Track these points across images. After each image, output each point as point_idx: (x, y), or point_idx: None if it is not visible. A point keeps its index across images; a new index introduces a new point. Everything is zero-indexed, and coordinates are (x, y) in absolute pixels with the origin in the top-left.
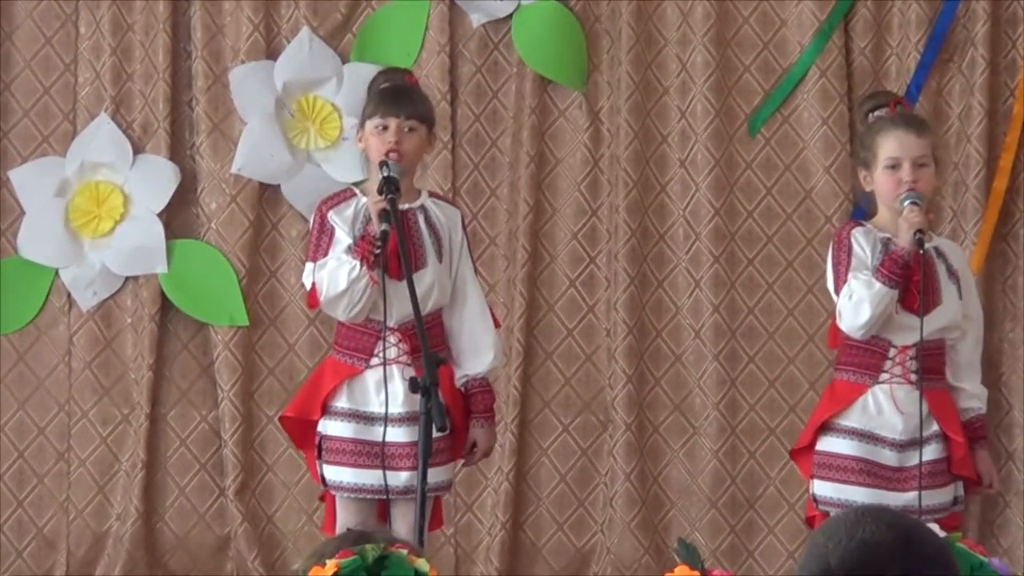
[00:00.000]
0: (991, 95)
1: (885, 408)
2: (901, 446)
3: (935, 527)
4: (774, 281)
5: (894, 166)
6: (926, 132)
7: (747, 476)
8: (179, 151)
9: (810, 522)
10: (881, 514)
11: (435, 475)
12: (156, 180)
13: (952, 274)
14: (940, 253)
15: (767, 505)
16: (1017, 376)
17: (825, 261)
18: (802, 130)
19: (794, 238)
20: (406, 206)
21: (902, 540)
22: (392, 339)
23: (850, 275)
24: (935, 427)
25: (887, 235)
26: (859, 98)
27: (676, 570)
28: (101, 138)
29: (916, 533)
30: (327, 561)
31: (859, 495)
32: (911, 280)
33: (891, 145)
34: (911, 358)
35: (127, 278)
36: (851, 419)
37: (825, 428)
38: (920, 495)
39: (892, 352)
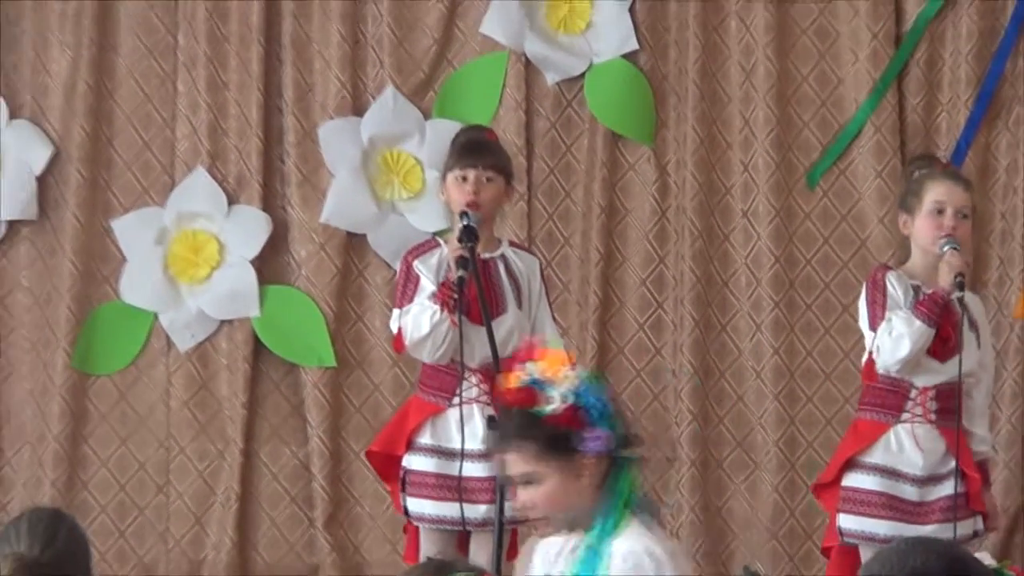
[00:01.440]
0: None
1: (907, 446)
2: (921, 482)
3: (986, 555)
4: (831, 325)
5: (940, 211)
6: (970, 188)
7: (805, 509)
8: (271, 202)
9: (825, 552)
10: (931, 544)
11: (512, 508)
12: (249, 229)
13: (973, 325)
14: (963, 305)
15: (823, 536)
16: None
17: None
18: (858, 182)
19: (850, 285)
20: (487, 255)
21: (950, 569)
22: (473, 379)
23: (889, 313)
24: (951, 463)
25: (917, 282)
26: (911, 154)
27: None
28: (197, 190)
29: (964, 562)
30: None
31: (882, 528)
32: (943, 327)
33: (939, 191)
34: (931, 399)
35: (222, 322)
36: (874, 456)
37: (850, 465)
38: (955, 526)
39: (914, 393)
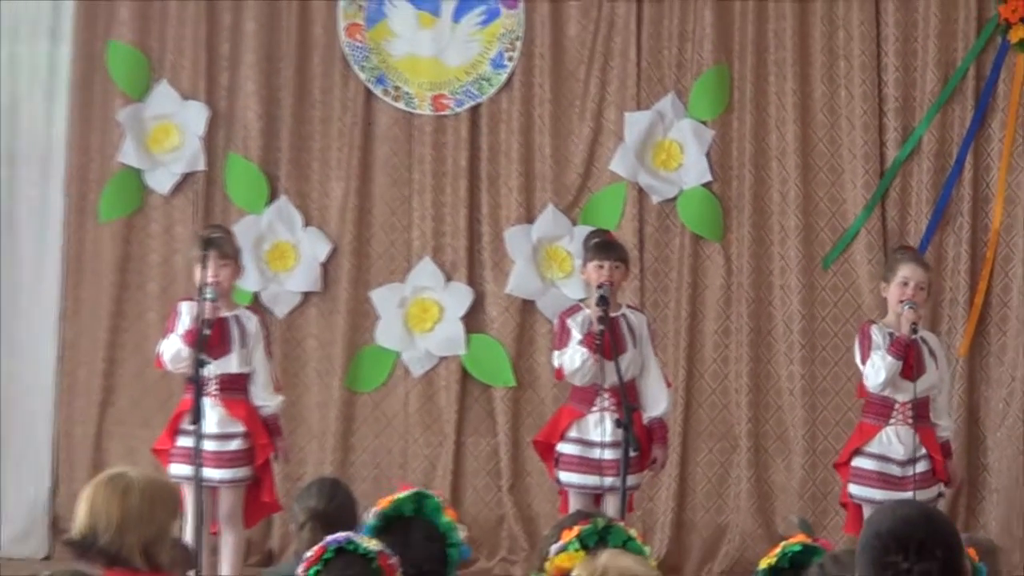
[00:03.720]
0: (973, 246)
1: (893, 440)
2: (903, 464)
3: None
4: (838, 360)
5: (905, 283)
6: (928, 269)
7: (822, 480)
8: (474, 279)
9: (843, 505)
10: (912, 502)
11: (631, 479)
12: (459, 297)
13: (931, 354)
14: (924, 340)
15: (836, 498)
16: (989, 418)
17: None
18: (855, 266)
19: (851, 333)
20: (614, 314)
21: (926, 516)
22: (606, 395)
23: (872, 352)
24: (923, 451)
25: (890, 330)
26: (890, 249)
27: (794, 537)
28: (426, 272)
29: (935, 513)
30: (567, 528)
31: (877, 494)
32: (908, 359)
33: (906, 270)
34: (909, 409)
35: (441, 357)
36: (872, 447)
37: (856, 452)
38: (914, 494)
39: (897, 405)
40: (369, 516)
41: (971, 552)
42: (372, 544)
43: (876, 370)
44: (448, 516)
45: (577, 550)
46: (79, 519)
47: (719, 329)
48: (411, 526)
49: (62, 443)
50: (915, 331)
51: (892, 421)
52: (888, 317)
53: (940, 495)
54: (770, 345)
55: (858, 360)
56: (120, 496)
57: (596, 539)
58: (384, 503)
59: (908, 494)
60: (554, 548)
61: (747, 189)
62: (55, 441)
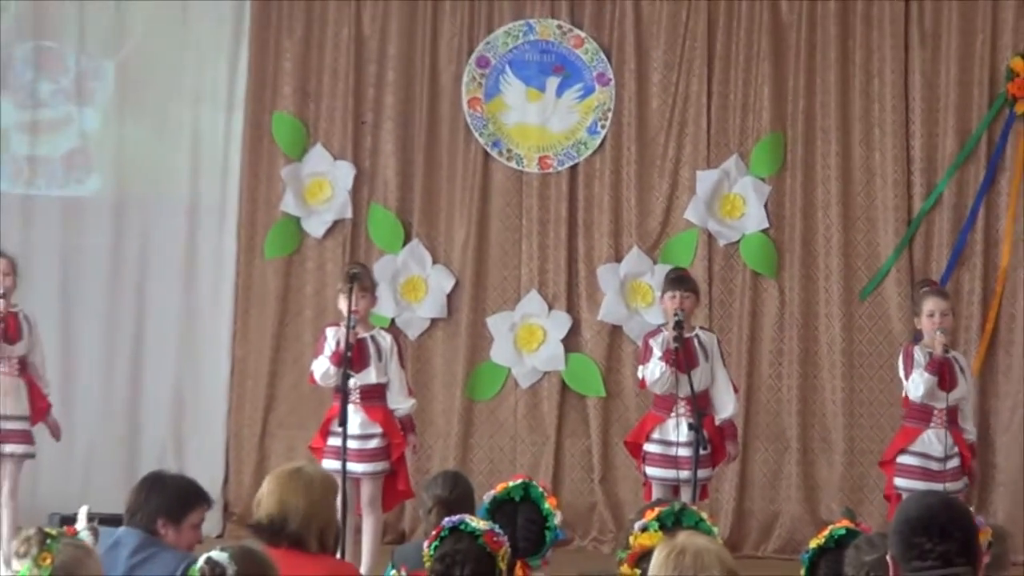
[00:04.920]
0: (984, 282)
1: (933, 441)
2: (940, 460)
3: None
4: (872, 375)
5: (931, 314)
6: (949, 299)
7: (858, 476)
8: (572, 307)
9: (887, 498)
10: (935, 493)
11: (702, 473)
12: (560, 323)
13: (961, 371)
14: (956, 359)
15: (871, 490)
16: (998, 425)
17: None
18: (887, 298)
19: (882, 355)
20: (688, 335)
21: (946, 505)
22: (682, 403)
23: (914, 370)
24: (955, 449)
25: (930, 350)
26: (917, 283)
27: (839, 522)
28: (532, 302)
29: (954, 502)
30: (648, 510)
31: (919, 485)
32: (943, 375)
33: (931, 303)
34: (945, 414)
35: (544, 372)
36: (915, 447)
37: (901, 451)
38: (945, 486)
39: (935, 412)
40: (486, 499)
41: (985, 533)
42: (481, 524)
43: (916, 385)
44: (549, 503)
45: (656, 530)
46: (268, 506)
47: (773, 350)
48: (518, 509)
49: (232, 442)
50: (947, 351)
51: (931, 425)
52: (925, 339)
53: (966, 486)
54: (816, 363)
55: (902, 375)
56: (306, 489)
57: (672, 520)
58: (498, 488)
59: (943, 486)
60: (637, 525)
61: (797, 234)
62: (227, 440)
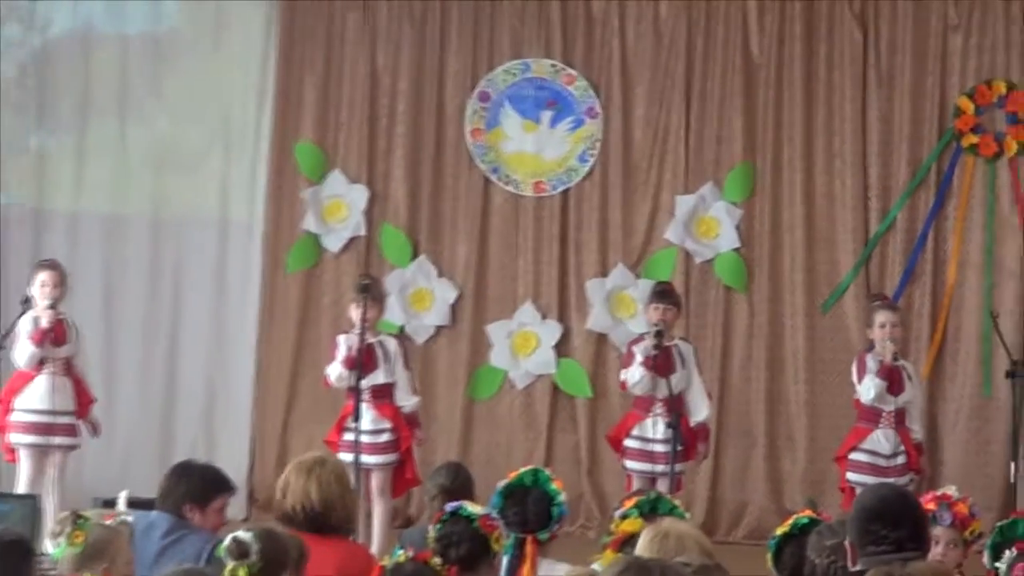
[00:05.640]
0: (933, 297)
1: (881, 440)
2: (888, 457)
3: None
4: (835, 379)
5: (883, 326)
6: (898, 312)
7: (820, 469)
8: (564, 317)
9: (842, 490)
10: (889, 485)
11: (678, 467)
12: (552, 331)
13: (909, 377)
14: (904, 367)
15: (834, 483)
16: (944, 426)
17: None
18: (846, 310)
19: (843, 361)
20: (668, 343)
21: (899, 495)
22: (660, 404)
23: (866, 376)
24: (902, 447)
25: (880, 357)
26: (870, 298)
27: (803, 511)
28: (527, 311)
29: (906, 493)
30: (628, 499)
31: (868, 479)
32: (892, 380)
33: (882, 316)
34: (893, 416)
35: (538, 375)
36: (866, 444)
37: (853, 449)
38: (896, 480)
39: (884, 413)
40: (500, 485)
41: (977, 523)
42: (476, 509)
43: (868, 389)
44: (556, 485)
45: (636, 517)
46: (294, 497)
47: (743, 356)
48: (528, 492)
49: (257, 436)
50: (896, 359)
51: (880, 425)
52: (877, 348)
53: (912, 481)
54: (782, 369)
55: (855, 380)
56: (327, 479)
57: (649, 507)
58: (511, 476)
59: (891, 480)
60: (618, 513)
61: (766, 253)
62: (252, 434)
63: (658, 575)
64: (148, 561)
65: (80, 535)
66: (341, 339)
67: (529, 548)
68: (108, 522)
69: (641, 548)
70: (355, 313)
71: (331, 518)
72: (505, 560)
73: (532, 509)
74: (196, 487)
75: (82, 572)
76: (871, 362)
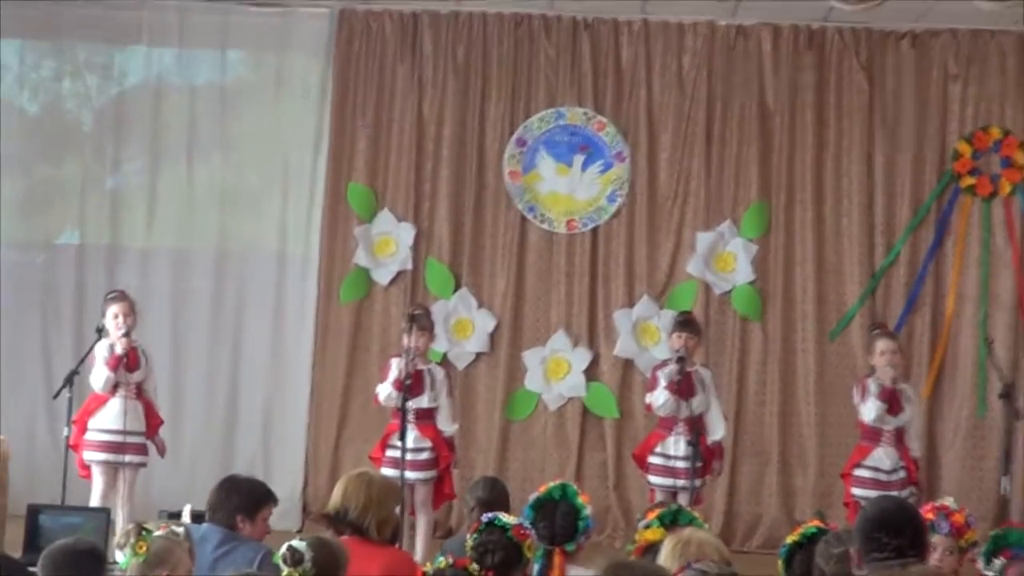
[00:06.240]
0: (933, 326)
1: (882, 457)
2: (888, 472)
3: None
4: (840, 400)
5: (883, 353)
6: (897, 340)
7: (828, 484)
8: (593, 345)
9: (846, 505)
10: (891, 497)
11: (697, 482)
12: (582, 357)
13: (907, 399)
14: (902, 390)
15: (841, 497)
16: (943, 443)
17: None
18: (852, 338)
19: (848, 383)
20: (690, 369)
21: (900, 506)
22: (681, 425)
23: (868, 398)
24: (901, 463)
25: (881, 381)
26: (871, 327)
27: (811, 521)
28: (559, 339)
29: (906, 504)
30: (650, 511)
31: (871, 493)
32: (892, 402)
33: (882, 344)
34: (893, 435)
35: (569, 398)
36: (868, 461)
37: (857, 465)
38: (897, 494)
39: (884, 432)
40: (530, 499)
41: (973, 532)
42: (509, 519)
43: (869, 410)
44: (582, 499)
45: (657, 527)
46: (334, 500)
47: (758, 380)
48: (557, 506)
49: (311, 453)
50: (895, 383)
51: (881, 443)
52: (878, 373)
53: (912, 494)
54: (793, 392)
55: (857, 402)
56: (366, 487)
57: (670, 519)
58: (540, 490)
59: (892, 494)
60: (642, 524)
61: (779, 285)
62: (307, 452)
63: (639, 573)
64: (202, 572)
65: (143, 545)
66: (393, 362)
67: (557, 559)
68: (160, 533)
69: (664, 554)
70: (405, 340)
71: (377, 526)
72: (536, 569)
73: (559, 523)
74: (246, 499)
75: None
76: (872, 385)
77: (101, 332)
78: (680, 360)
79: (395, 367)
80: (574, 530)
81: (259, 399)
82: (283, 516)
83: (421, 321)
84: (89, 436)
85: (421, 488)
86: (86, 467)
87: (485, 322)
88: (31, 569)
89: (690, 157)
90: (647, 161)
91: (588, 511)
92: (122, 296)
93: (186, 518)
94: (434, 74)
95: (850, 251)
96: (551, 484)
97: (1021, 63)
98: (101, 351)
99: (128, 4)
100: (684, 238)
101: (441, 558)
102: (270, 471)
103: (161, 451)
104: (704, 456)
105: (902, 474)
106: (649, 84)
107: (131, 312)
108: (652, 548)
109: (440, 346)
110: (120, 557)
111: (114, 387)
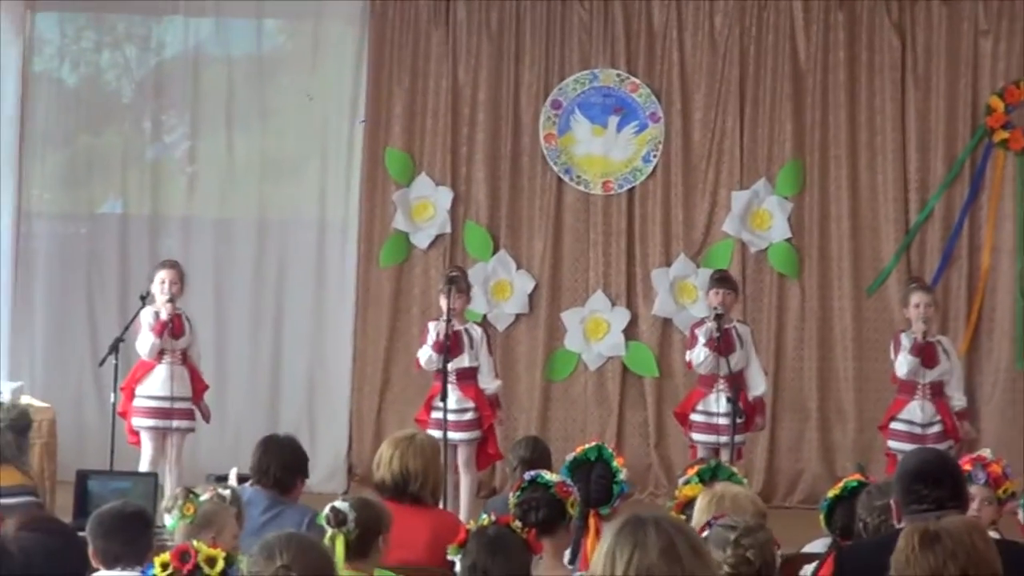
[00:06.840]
0: (969, 280)
1: (916, 410)
2: (923, 426)
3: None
4: (879, 355)
5: (917, 306)
6: (931, 293)
7: (869, 438)
8: (631, 304)
9: (887, 456)
10: (931, 449)
11: (738, 438)
12: (621, 317)
13: (944, 351)
14: (939, 342)
15: (880, 449)
16: (982, 397)
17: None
18: (890, 294)
19: (885, 337)
20: (727, 326)
21: (940, 456)
22: (721, 381)
23: (900, 353)
24: (937, 417)
25: (914, 335)
26: (906, 280)
27: (852, 475)
28: (598, 299)
29: (946, 456)
30: (690, 467)
31: (906, 446)
32: (926, 355)
33: (916, 297)
34: (928, 387)
35: (609, 357)
36: (904, 414)
37: (892, 418)
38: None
39: (919, 385)
40: (567, 459)
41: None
42: (553, 477)
43: (901, 364)
44: (617, 462)
45: (696, 483)
46: (393, 468)
47: (796, 337)
48: (592, 467)
49: (355, 416)
50: (926, 335)
51: (916, 397)
52: (912, 327)
53: (951, 447)
54: (831, 348)
55: (892, 356)
56: (421, 452)
57: (709, 474)
58: (576, 450)
59: (931, 446)
60: (682, 480)
61: (815, 242)
62: (350, 415)
63: (652, 525)
64: (249, 536)
65: (191, 508)
66: (431, 325)
67: (592, 521)
68: (207, 496)
69: (698, 509)
70: (443, 302)
71: (419, 487)
72: None
73: (595, 486)
74: (301, 459)
75: (191, 540)
76: (905, 340)
77: (145, 299)
78: (718, 317)
79: (433, 330)
80: (609, 493)
81: (302, 363)
82: (328, 478)
83: (459, 283)
84: (137, 403)
85: (464, 449)
86: (135, 433)
87: (524, 283)
88: (80, 533)
89: (724, 116)
90: (681, 121)
91: (624, 474)
92: (172, 264)
93: (232, 481)
94: (468, 39)
95: (885, 207)
96: (587, 445)
97: None
98: (146, 318)
99: None
100: (719, 197)
101: (484, 516)
102: (314, 434)
103: (206, 416)
104: (746, 412)
105: (938, 428)
106: (681, 44)
107: (178, 280)
108: (691, 504)
109: (480, 308)
110: (168, 520)
111: (160, 354)
